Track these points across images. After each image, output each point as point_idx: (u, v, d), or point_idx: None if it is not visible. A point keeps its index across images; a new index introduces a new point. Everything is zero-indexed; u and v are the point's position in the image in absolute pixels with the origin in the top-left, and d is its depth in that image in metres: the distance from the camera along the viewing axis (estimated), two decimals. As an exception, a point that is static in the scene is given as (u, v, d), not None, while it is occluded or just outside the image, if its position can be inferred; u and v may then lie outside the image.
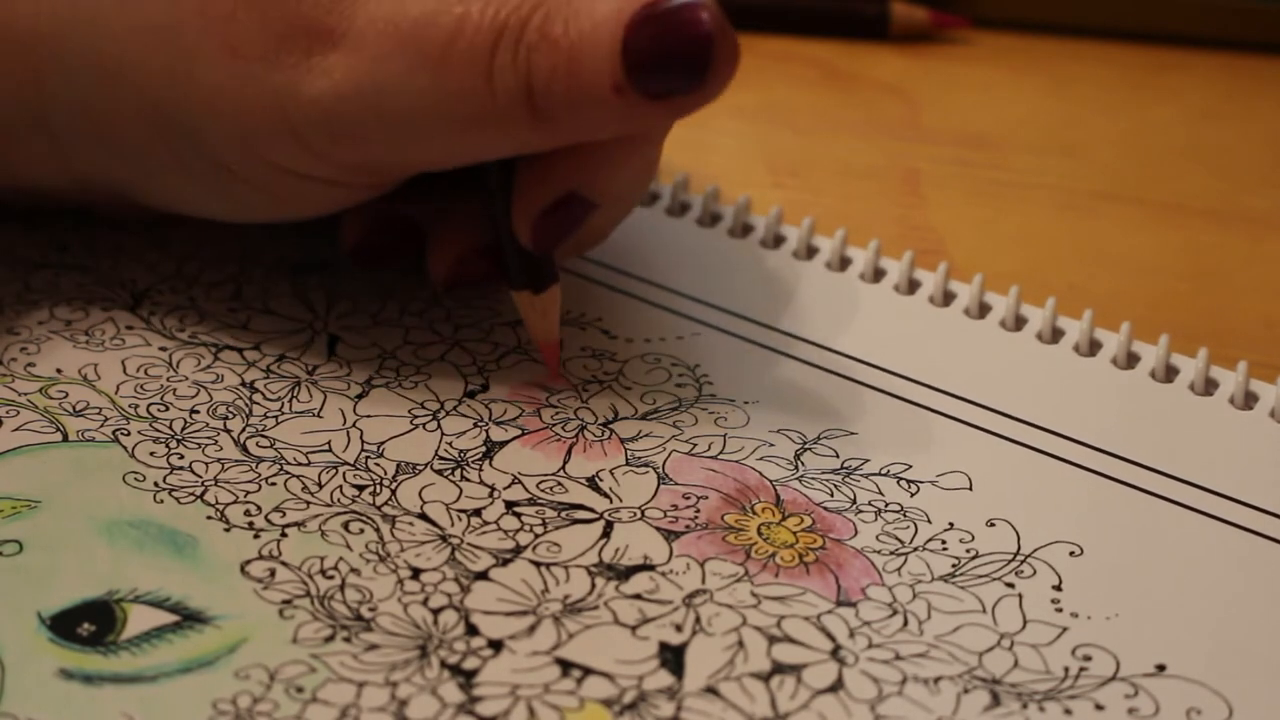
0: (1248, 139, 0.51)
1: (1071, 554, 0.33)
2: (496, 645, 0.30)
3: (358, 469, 0.34)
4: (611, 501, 0.34)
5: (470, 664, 0.30)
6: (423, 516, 0.33)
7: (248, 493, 0.33)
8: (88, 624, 0.30)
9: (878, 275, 0.41)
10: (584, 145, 0.34)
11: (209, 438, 0.35)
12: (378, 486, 0.34)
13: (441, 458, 0.35)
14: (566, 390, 0.37)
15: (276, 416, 0.36)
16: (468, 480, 0.34)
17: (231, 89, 0.33)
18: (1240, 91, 0.54)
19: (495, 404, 0.36)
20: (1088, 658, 0.31)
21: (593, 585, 0.32)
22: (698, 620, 0.31)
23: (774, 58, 0.54)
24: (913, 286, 0.41)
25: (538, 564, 0.32)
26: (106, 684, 0.29)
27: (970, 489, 0.35)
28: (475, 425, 0.36)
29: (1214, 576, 0.33)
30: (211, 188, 0.36)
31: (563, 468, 0.35)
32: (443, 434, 0.35)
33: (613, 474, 0.35)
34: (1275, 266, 0.44)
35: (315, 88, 0.33)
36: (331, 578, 0.32)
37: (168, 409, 0.36)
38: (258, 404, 0.36)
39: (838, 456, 0.35)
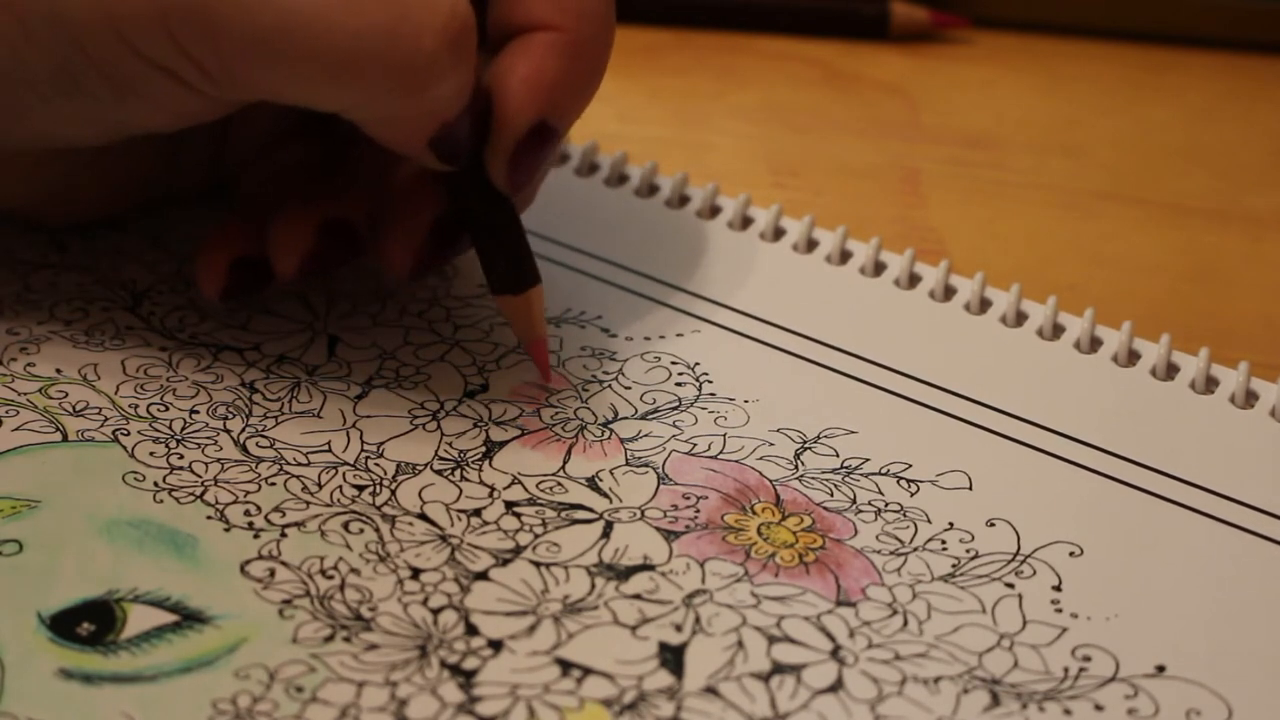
0: (1248, 139, 0.51)
1: (1071, 554, 0.33)
2: (496, 645, 0.30)
3: (357, 469, 0.34)
4: (611, 502, 0.34)
5: (470, 664, 0.30)
6: (422, 517, 0.33)
7: (247, 493, 0.33)
8: (87, 624, 0.30)
9: (878, 270, 0.41)
10: (549, 75, 0.34)
11: (209, 438, 0.35)
12: (377, 487, 0.34)
13: (441, 458, 0.35)
14: (566, 390, 0.37)
15: (276, 417, 0.36)
16: (467, 480, 0.34)
17: None
18: (1240, 91, 0.54)
19: (495, 404, 0.36)
20: (1087, 658, 0.31)
21: (592, 585, 0.32)
22: (697, 620, 0.31)
23: (774, 58, 0.54)
24: (913, 281, 0.41)
25: (537, 564, 0.32)
26: (106, 684, 0.29)
27: (970, 488, 0.35)
28: (475, 425, 0.36)
29: (1214, 577, 0.33)
30: (62, 81, 0.33)
31: (562, 468, 0.35)
32: (442, 434, 0.35)
33: (612, 474, 0.35)
34: (1275, 266, 0.44)
35: None
36: (331, 578, 0.32)
37: (167, 409, 0.36)
38: (257, 404, 0.36)
39: (838, 455, 0.35)
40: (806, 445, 0.36)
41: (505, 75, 0.34)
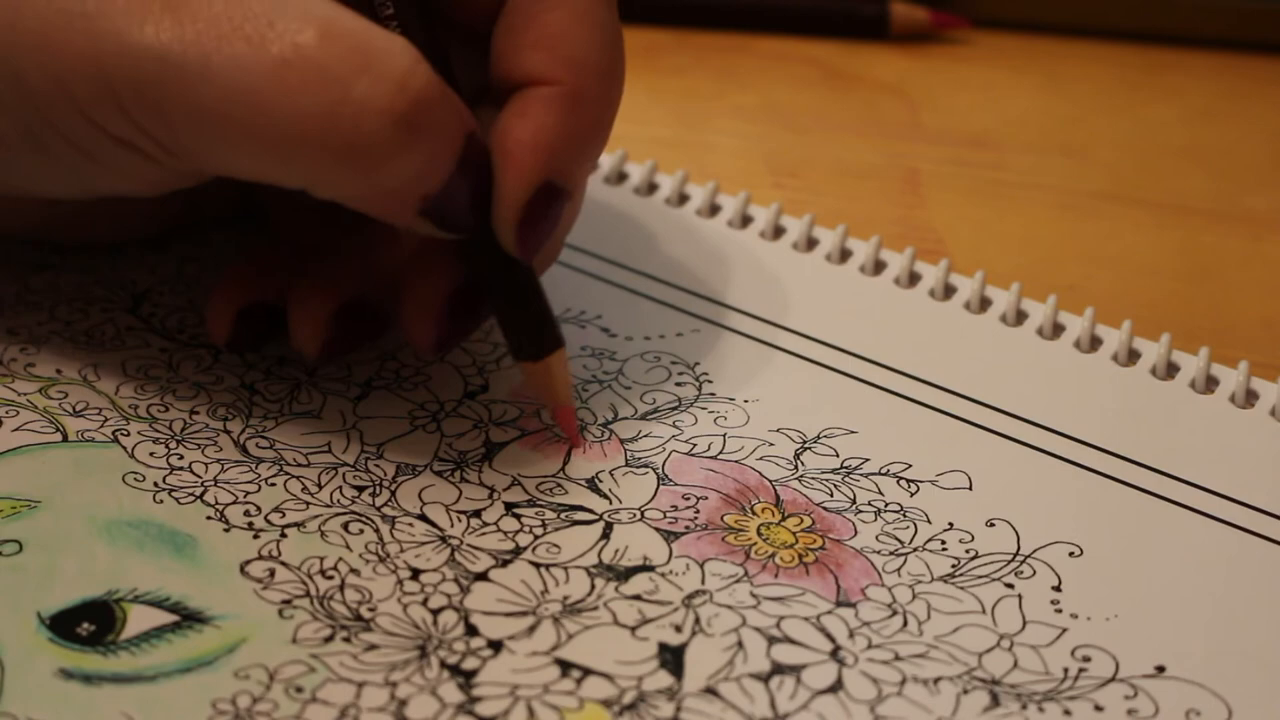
0: (1248, 139, 0.51)
1: (1071, 554, 0.33)
2: (496, 646, 0.30)
3: (357, 470, 0.34)
4: (611, 502, 0.34)
5: (470, 664, 0.30)
6: (422, 517, 0.33)
7: (247, 493, 0.33)
8: (87, 624, 0.30)
9: (878, 268, 0.41)
10: (549, 133, 0.33)
11: (209, 438, 0.35)
12: (377, 487, 0.34)
13: (441, 459, 0.35)
14: (566, 390, 0.37)
15: (276, 417, 0.36)
16: (467, 481, 0.34)
17: (57, 23, 0.31)
18: (1240, 91, 0.54)
19: (495, 405, 0.36)
20: (1087, 659, 0.31)
21: (592, 586, 0.32)
22: (697, 621, 0.31)
23: (774, 58, 0.54)
24: (913, 280, 0.41)
25: (537, 565, 0.32)
26: (106, 684, 0.29)
27: (970, 488, 0.35)
28: (475, 426, 0.36)
29: (1213, 577, 0.33)
30: (30, 142, 0.33)
31: (562, 469, 0.35)
32: (442, 435, 0.35)
33: (612, 475, 0.35)
34: (1275, 266, 0.44)
35: (137, 40, 0.31)
36: (331, 578, 0.32)
37: (168, 409, 0.36)
38: (257, 405, 0.36)
39: (838, 456, 0.35)
40: (806, 445, 0.36)
41: (504, 136, 0.33)
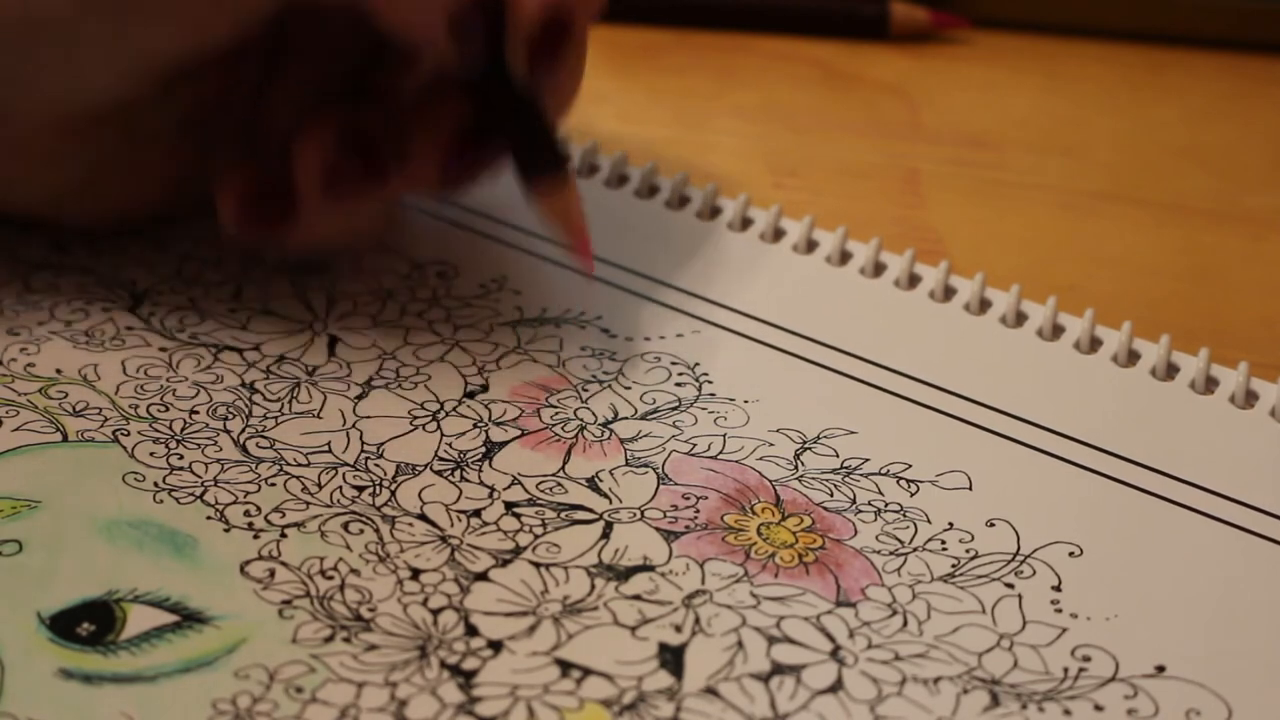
0: (1248, 139, 0.51)
1: (1071, 554, 0.33)
2: (496, 646, 0.30)
3: (357, 470, 0.34)
4: (611, 502, 0.34)
5: (470, 664, 0.30)
6: (422, 517, 0.33)
7: (247, 493, 0.33)
8: (87, 624, 0.30)
9: (878, 270, 0.41)
10: None
11: (209, 438, 0.35)
12: (377, 487, 0.34)
13: (441, 459, 0.35)
14: (566, 390, 0.37)
15: (276, 417, 0.36)
16: (467, 481, 0.34)
17: None
18: (1240, 91, 0.54)
19: (495, 404, 0.36)
20: (1087, 658, 0.31)
21: (592, 586, 0.32)
22: (697, 621, 0.31)
23: (774, 58, 0.54)
24: (913, 282, 0.41)
25: (537, 565, 0.32)
26: (106, 684, 0.29)
27: (970, 489, 0.35)
28: (475, 426, 0.36)
29: (1213, 577, 0.33)
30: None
31: (562, 468, 0.35)
32: (442, 435, 0.35)
33: (612, 474, 0.35)
34: (1275, 266, 0.44)
35: None
36: (331, 578, 0.32)
37: (168, 409, 0.36)
38: (257, 404, 0.36)
39: (838, 456, 0.35)
40: (806, 445, 0.36)
41: None
